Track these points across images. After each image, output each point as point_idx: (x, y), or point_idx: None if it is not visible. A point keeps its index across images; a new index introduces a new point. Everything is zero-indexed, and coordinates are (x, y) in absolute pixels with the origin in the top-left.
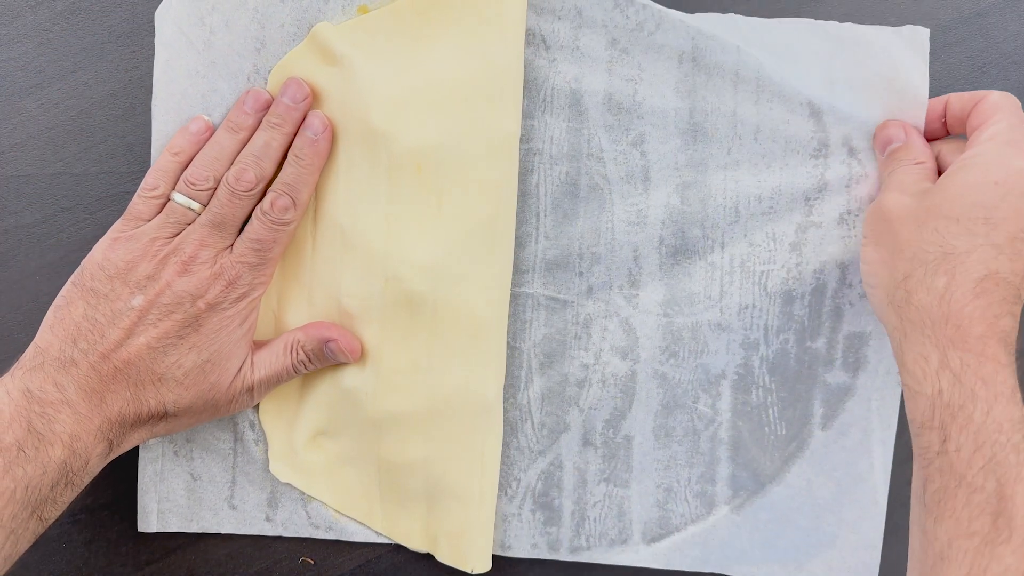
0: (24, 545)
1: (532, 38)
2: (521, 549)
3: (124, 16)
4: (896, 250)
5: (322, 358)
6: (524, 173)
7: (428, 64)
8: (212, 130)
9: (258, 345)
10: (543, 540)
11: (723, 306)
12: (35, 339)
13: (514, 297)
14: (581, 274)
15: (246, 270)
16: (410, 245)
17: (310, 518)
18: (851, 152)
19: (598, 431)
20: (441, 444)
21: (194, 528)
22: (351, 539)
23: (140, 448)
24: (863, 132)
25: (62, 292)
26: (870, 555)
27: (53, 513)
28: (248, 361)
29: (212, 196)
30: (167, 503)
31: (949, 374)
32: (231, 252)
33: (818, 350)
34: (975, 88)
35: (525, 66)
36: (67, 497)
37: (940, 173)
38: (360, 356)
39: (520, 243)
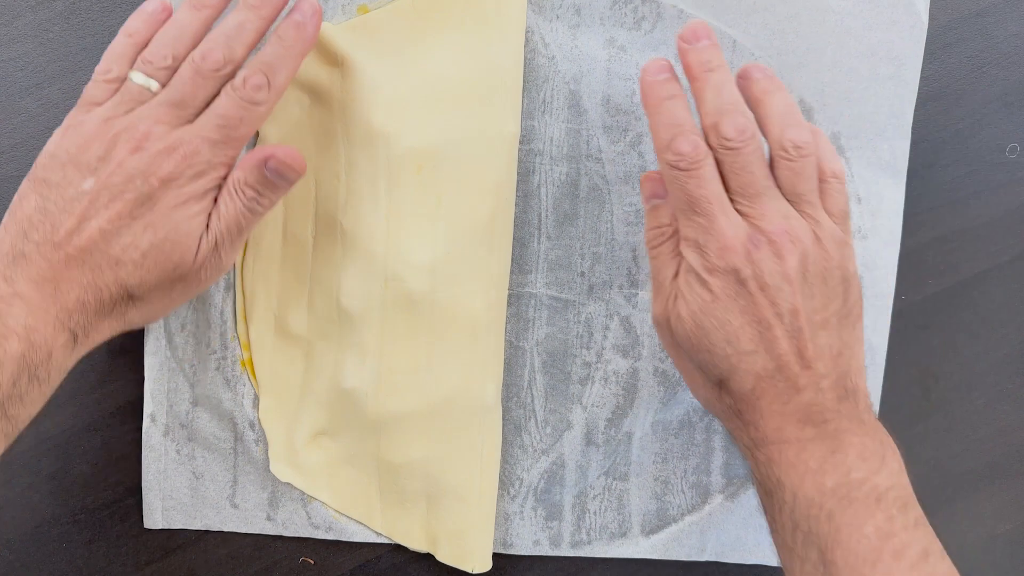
0: None
1: (531, 36)
2: (523, 546)
3: (124, 16)
4: (687, 376)
5: (270, 185)
6: (525, 174)
7: (428, 64)
8: (170, 11)
9: None
10: (544, 536)
11: None
12: None
13: (517, 297)
14: (582, 274)
15: (206, 145)
16: (410, 245)
17: (310, 518)
18: (840, 151)
19: (600, 429)
20: (441, 444)
21: (198, 525)
22: (351, 539)
23: (143, 448)
24: (853, 130)
25: (18, 191)
26: None
27: (21, 411)
28: (205, 232)
29: (173, 76)
30: (171, 500)
31: (762, 471)
32: (190, 126)
33: None
34: (974, 88)
35: (525, 66)
36: (35, 394)
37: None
38: (304, 167)
39: (522, 243)
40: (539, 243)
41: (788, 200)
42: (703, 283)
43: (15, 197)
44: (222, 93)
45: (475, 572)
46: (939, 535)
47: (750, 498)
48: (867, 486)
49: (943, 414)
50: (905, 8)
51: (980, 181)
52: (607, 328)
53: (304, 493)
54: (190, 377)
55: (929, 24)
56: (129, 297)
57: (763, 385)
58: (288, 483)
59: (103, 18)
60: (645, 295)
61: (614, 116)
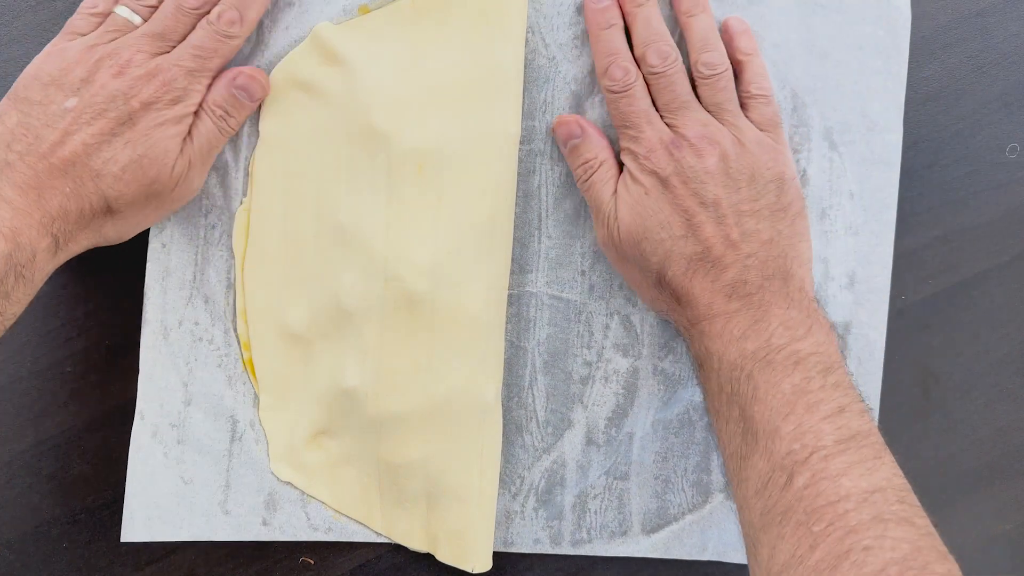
0: None
1: (531, 37)
2: (524, 545)
3: None
4: (634, 284)
5: (237, 104)
6: (526, 174)
7: (429, 64)
8: None
9: None
10: (545, 535)
11: None
12: None
13: (518, 296)
14: (583, 273)
15: (182, 73)
16: (410, 245)
17: (309, 519)
18: (832, 146)
19: (601, 428)
20: (440, 444)
21: (184, 536)
22: (351, 539)
23: (130, 451)
24: (844, 124)
25: None
26: None
27: (7, 308)
28: (180, 153)
29: (154, 12)
30: (156, 509)
31: (695, 345)
32: (168, 55)
33: None
34: (974, 88)
35: (525, 66)
36: (20, 293)
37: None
38: (268, 84)
39: (523, 243)
40: (539, 243)
41: (710, 111)
42: (637, 182)
43: None
44: (198, 27)
45: (475, 572)
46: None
47: None
48: (787, 350)
49: (943, 414)
50: (888, 2)
51: (980, 181)
52: (607, 327)
53: (303, 494)
54: (184, 375)
55: (929, 24)
56: (107, 209)
57: (694, 267)
58: (288, 483)
59: None
60: None
61: None
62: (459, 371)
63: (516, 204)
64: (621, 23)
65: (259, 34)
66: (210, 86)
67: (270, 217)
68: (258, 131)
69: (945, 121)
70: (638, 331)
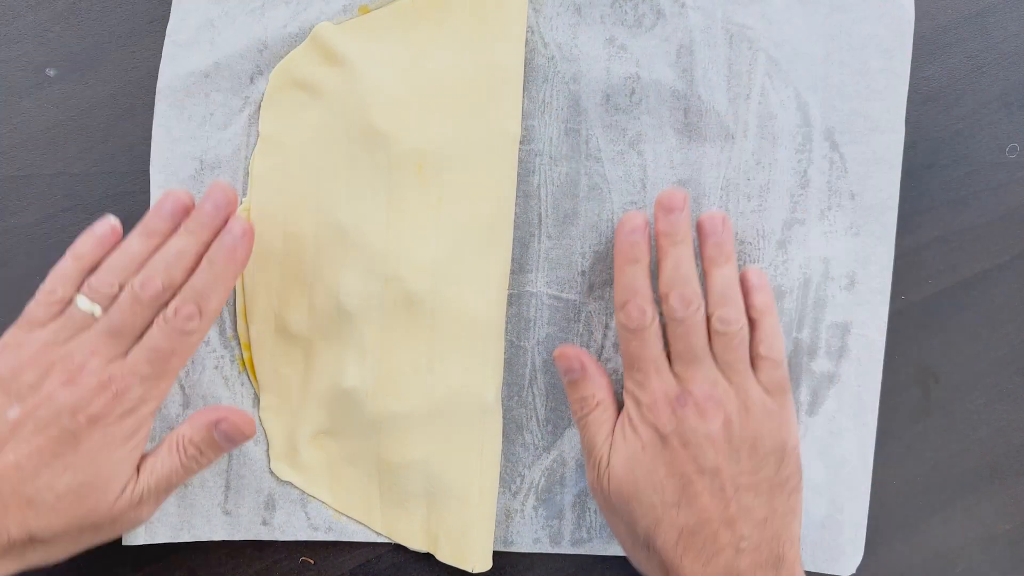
0: None
1: (531, 36)
2: (524, 544)
3: (124, 16)
4: (620, 537)
5: (215, 446)
6: (526, 174)
7: (429, 64)
8: (119, 235)
9: (146, 453)
10: (545, 534)
11: None
12: None
13: (518, 296)
14: (583, 273)
15: (136, 382)
16: (410, 245)
17: (309, 519)
18: (833, 146)
19: None
20: (441, 444)
21: (184, 537)
22: (351, 539)
23: None
24: (846, 125)
25: None
26: (855, 532)
27: None
28: (133, 477)
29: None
30: (157, 512)
31: None
32: (123, 362)
33: (803, 340)
34: (974, 88)
35: (525, 65)
36: None
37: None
38: (254, 430)
39: (523, 243)
40: (539, 242)
41: (720, 369)
42: (636, 432)
43: None
44: (154, 324)
45: (475, 571)
46: (939, 535)
47: None
48: None
49: (943, 414)
50: (892, 0)
51: (980, 181)
52: (607, 327)
53: (303, 494)
54: (181, 378)
55: (929, 24)
56: (30, 540)
57: (686, 541)
58: (288, 483)
59: (103, 18)
60: None
61: (613, 116)
62: (459, 371)
63: (516, 204)
64: (647, 259)
65: (260, 35)
66: (169, 388)
67: (270, 217)
68: (258, 131)
69: (945, 121)
70: None
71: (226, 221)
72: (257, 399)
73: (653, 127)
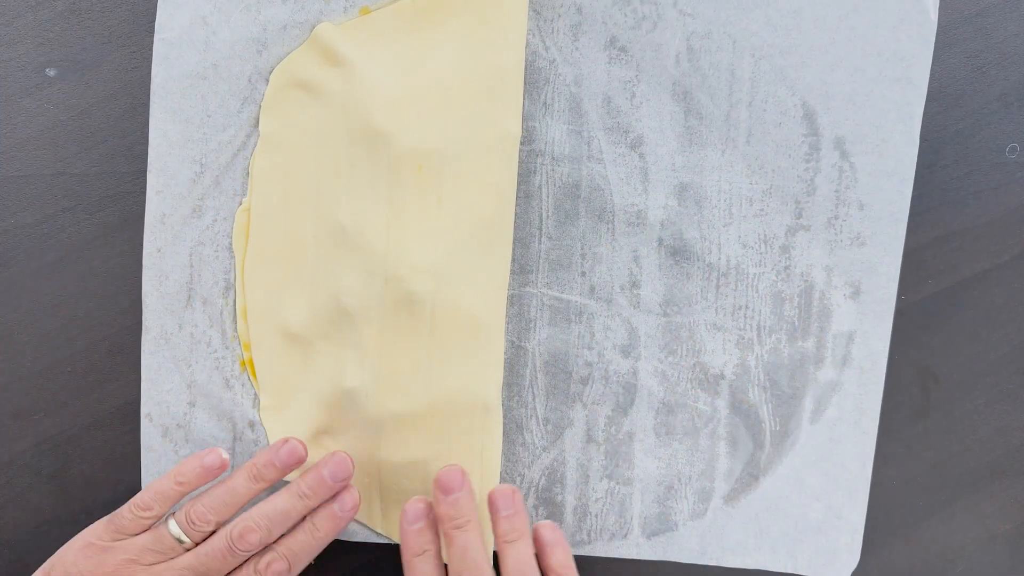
0: None
1: (531, 39)
2: None
3: (124, 16)
4: None
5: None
6: (527, 174)
7: (430, 65)
8: (226, 469)
9: None
10: None
11: (718, 307)
12: None
13: (519, 296)
14: (584, 273)
15: None
16: (411, 245)
17: None
18: (843, 156)
19: (601, 427)
20: (441, 444)
21: None
22: (351, 539)
23: (142, 449)
24: (857, 135)
25: None
26: (853, 538)
27: None
28: None
29: (207, 538)
30: None
31: None
32: None
33: (808, 349)
34: (974, 88)
35: (526, 67)
36: None
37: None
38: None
39: (524, 243)
40: (540, 243)
41: None
42: None
43: None
44: (242, 571)
45: None
46: (939, 535)
47: (751, 503)
48: None
49: (943, 414)
50: (913, 5)
51: (980, 181)
52: (608, 328)
53: None
54: (187, 377)
55: None
56: None
57: None
58: (287, 482)
59: (103, 18)
60: (646, 294)
61: (615, 117)
62: (459, 371)
63: (517, 204)
64: (436, 548)
65: (259, 35)
66: None
67: (270, 217)
68: (258, 131)
69: (945, 121)
70: (639, 332)
71: (337, 491)
72: (257, 399)
73: (654, 130)
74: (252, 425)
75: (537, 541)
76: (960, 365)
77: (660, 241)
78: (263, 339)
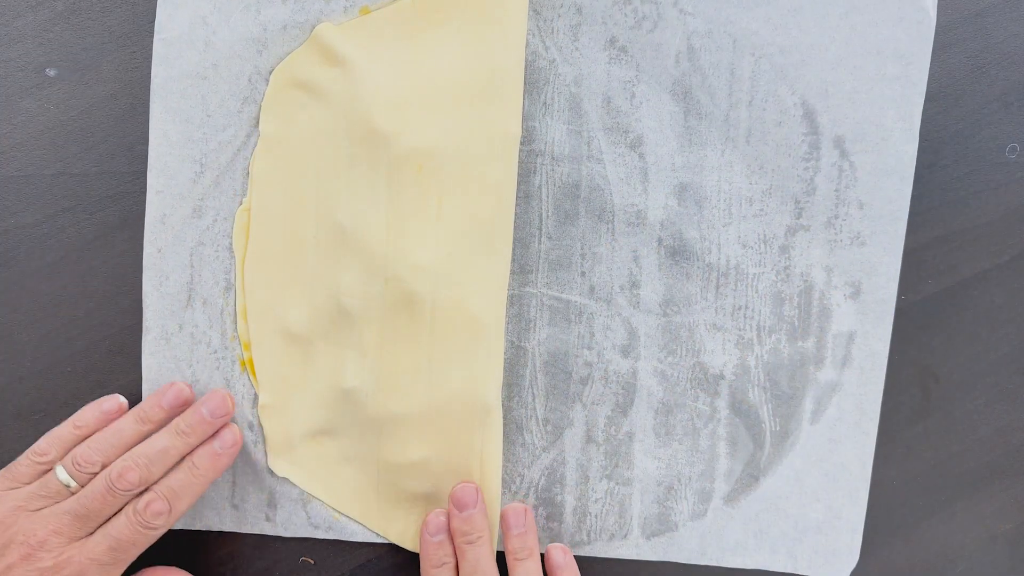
0: None
1: (531, 39)
2: None
3: (124, 16)
4: None
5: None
6: (527, 174)
7: (430, 65)
8: (123, 412)
9: None
10: (545, 535)
11: (718, 307)
12: None
13: (519, 297)
14: (583, 274)
15: (94, 568)
16: (411, 245)
17: (310, 518)
18: (843, 155)
19: (600, 427)
20: (441, 444)
21: (197, 526)
22: (351, 539)
23: None
24: (857, 133)
25: None
26: (852, 537)
27: None
28: None
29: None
30: None
31: None
32: (84, 544)
33: (808, 349)
34: (974, 88)
35: (526, 67)
36: None
37: None
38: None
39: (524, 243)
40: (540, 243)
41: None
42: None
43: None
44: (122, 513)
45: None
46: (939, 535)
47: (751, 504)
48: None
49: (943, 414)
50: (912, 3)
51: (980, 181)
52: (607, 328)
53: (303, 492)
54: (188, 378)
55: None
56: None
57: None
58: (286, 480)
59: (103, 18)
60: (646, 295)
61: (615, 118)
62: (459, 371)
63: (517, 204)
64: (454, 561)
65: (259, 35)
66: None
67: (270, 217)
68: (258, 131)
69: (945, 121)
70: (638, 332)
71: (216, 429)
72: (257, 399)
73: (654, 130)
74: (252, 426)
75: (548, 562)
76: (960, 365)
77: (660, 241)
78: (263, 339)
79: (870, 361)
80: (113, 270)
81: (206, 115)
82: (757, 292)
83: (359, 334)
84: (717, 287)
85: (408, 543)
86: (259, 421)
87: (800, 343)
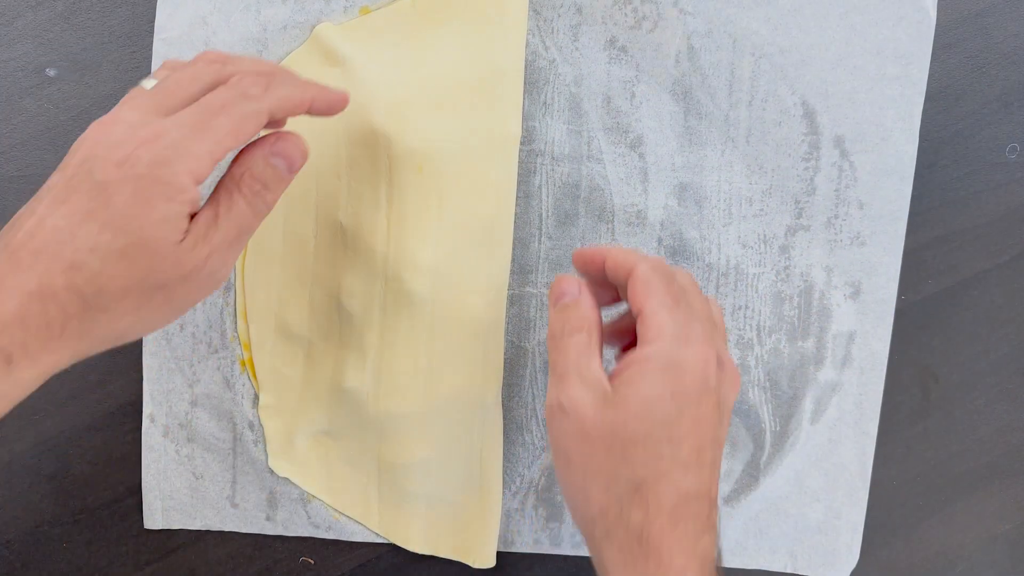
0: None
1: (531, 39)
2: (524, 544)
3: (124, 16)
4: (589, 477)
5: (278, 176)
6: (527, 174)
7: (430, 65)
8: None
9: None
10: (545, 536)
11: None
12: None
13: (519, 297)
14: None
15: (173, 129)
16: (411, 246)
17: (310, 518)
18: (843, 154)
19: None
20: (441, 444)
21: (198, 525)
22: (351, 539)
23: (143, 448)
24: (857, 133)
25: None
26: (852, 537)
27: None
28: (189, 231)
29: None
30: (171, 501)
31: None
32: (173, 116)
33: (808, 349)
34: (974, 88)
35: (526, 67)
36: None
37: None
38: (307, 151)
39: (524, 243)
40: (540, 243)
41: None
42: (667, 376)
43: None
44: (216, 89)
45: (477, 567)
46: (939, 535)
47: (751, 504)
48: None
49: (943, 414)
50: (912, 2)
51: (980, 181)
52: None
53: (304, 492)
54: (189, 377)
55: None
56: (86, 308)
57: (682, 509)
58: (286, 479)
59: (103, 18)
60: None
61: (615, 118)
62: (460, 372)
63: (517, 204)
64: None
65: (259, 35)
66: (239, 158)
67: (270, 217)
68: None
69: (945, 121)
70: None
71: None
72: (257, 399)
73: (654, 130)
74: (252, 426)
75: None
76: (960, 365)
77: (660, 241)
78: (263, 339)
79: (870, 361)
80: None
81: None
82: (757, 292)
83: (359, 334)
84: (717, 287)
85: (409, 543)
86: (259, 421)
87: (800, 343)
